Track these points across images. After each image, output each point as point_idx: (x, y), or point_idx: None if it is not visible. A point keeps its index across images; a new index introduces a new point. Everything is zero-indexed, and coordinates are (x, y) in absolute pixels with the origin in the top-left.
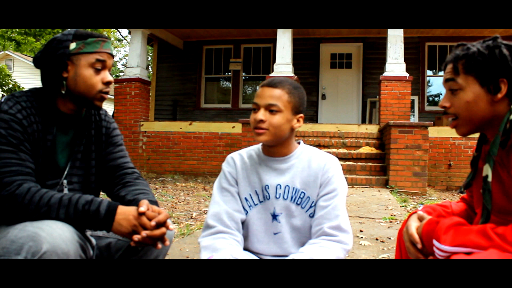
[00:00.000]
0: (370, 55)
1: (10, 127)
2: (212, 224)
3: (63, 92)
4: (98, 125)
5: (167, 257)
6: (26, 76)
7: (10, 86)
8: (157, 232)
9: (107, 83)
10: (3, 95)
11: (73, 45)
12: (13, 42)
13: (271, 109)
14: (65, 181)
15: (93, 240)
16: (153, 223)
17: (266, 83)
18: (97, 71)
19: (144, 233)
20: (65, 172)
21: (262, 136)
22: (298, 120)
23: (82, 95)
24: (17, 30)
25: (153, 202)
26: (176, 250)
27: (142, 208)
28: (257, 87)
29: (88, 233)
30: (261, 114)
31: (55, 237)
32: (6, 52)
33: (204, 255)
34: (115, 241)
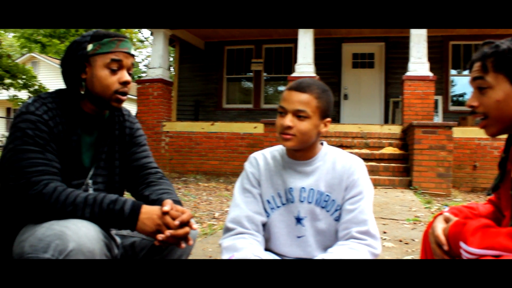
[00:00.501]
0: (392, 55)
1: (37, 128)
2: (231, 227)
3: (82, 93)
4: (121, 126)
5: (190, 257)
6: (51, 78)
7: (36, 87)
8: (181, 231)
9: (124, 83)
10: (29, 96)
11: (90, 47)
12: (39, 44)
13: (299, 115)
14: (90, 181)
15: (118, 239)
16: (176, 222)
17: (294, 87)
18: (113, 71)
19: (168, 232)
20: (90, 173)
21: (289, 142)
22: (325, 125)
23: (99, 95)
24: (42, 32)
25: (177, 202)
26: (199, 250)
27: (166, 208)
28: (279, 88)
29: (113, 232)
30: (289, 120)
31: (81, 235)
32: (32, 54)
33: (226, 256)
34: (140, 240)
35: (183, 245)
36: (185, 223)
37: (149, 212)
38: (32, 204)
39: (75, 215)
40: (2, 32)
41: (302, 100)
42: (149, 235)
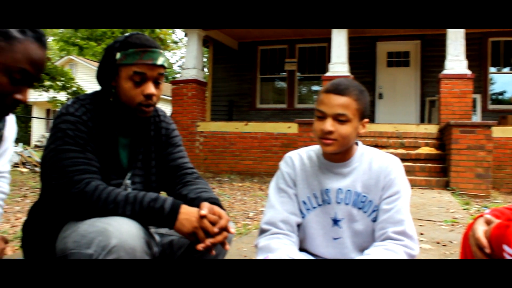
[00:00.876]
0: (428, 53)
1: (77, 129)
2: (266, 228)
3: (111, 100)
4: (157, 126)
5: (225, 257)
6: (88, 79)
7: (74, 89)
8: (220, 238)
9: (147, 96)
10: (68, 98)
11: (118, 55)
12: (76, 47)
13: (340, 119)
14: (128, 181)
15: (157, 237)
16: (216, 229)
17: (332, 90)
18: (137, 84)
19: (208, 241)
20: (129, 173)
21: (330, 147)
22: (363, 125)
23: (126, 104)
24: (80, 35)
25: (215, 201)
26: (234, 250)
27: (203, 211)
28: (313, 87)
29: (152, 230)
30: (330, 125)
31: (123, 232)
32: (70, 57)
33: (261, 257)
34: (178, 239)
35: (214, 252)
36: (223, 228)
37: (188, 213)
38: (75, 202)
39: (116, 213)
40: None
41: (342, 103)
42: (185, 236)
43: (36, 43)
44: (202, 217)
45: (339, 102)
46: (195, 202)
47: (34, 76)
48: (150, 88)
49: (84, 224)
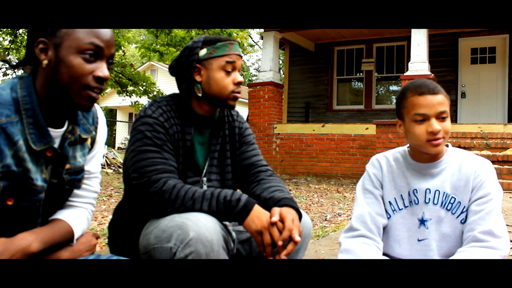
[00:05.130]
0: None
1: (154, 130)
2: (356, 227)
3: (200, 95)
4: (231, 126)
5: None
6: (168, 83)
7: (155, 93)
8: (290, 248)
9: (238, 84)
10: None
11: (203, 51)
12: (157, 53)
13: (442, 116)
14: (204, 179)
15: (234, 234)
16: (280, 242)
17: (426, 91)
18: (228, 73)
19: (283, 256)
20: (204, 170)
21: (439, 147)
22: None
23: (216, 96)
24: (160, 41)
25: (288, 202)
26: (312, 252)
27: (274, 218)
28: (391, 88)
29: (230, 227)
30: (438, 124)
31: (200, 226)
32: (151, 62)
33: (342, 257)
34: None
35: (284, 256)
36: (289, 238)
37: (260, 212)
38: (154, 201)
39: (193, 209)
40: (126, 44)
41: (441, 101)
42: (252, 234)
43: None
44: (273, 223)
45: (438, 101)
46: (268, 203)
47: (104, 49)
48: (239, 76)
49: (165, 220)
